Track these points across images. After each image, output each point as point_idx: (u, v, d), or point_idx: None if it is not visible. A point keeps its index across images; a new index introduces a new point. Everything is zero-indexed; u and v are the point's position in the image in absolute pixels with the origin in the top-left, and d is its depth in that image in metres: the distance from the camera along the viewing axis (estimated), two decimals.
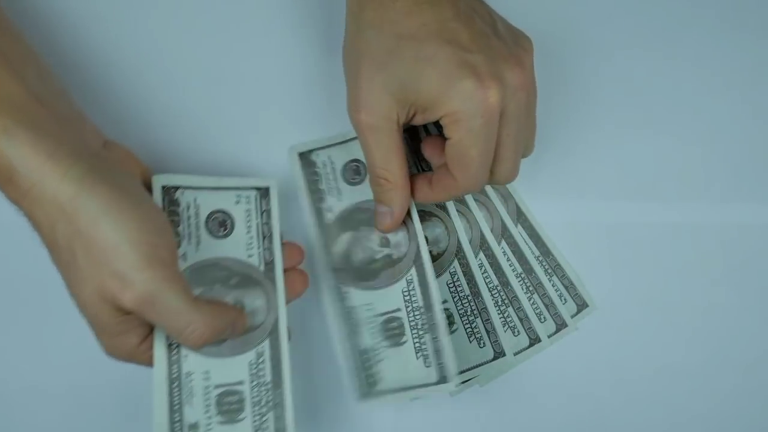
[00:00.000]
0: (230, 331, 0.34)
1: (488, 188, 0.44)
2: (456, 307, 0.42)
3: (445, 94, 0.31)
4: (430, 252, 0.41)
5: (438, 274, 0.42)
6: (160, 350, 0.34)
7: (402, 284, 0.38)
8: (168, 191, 0.36)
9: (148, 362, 0.34)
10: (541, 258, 0.44)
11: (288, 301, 0.37)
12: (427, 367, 0.37)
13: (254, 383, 0.35)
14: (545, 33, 0.44)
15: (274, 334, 0.36)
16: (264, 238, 0.37)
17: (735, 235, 0.44)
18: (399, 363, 0.37)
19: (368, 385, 0.37)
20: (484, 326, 0.42)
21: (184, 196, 0.36)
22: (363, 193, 0.40)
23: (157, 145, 0.41)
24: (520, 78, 0.32)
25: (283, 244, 0.38)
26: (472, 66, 0.31)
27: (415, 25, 0.32)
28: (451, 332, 0.40)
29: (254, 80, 0.42)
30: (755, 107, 0.45)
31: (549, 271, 0.44)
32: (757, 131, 0.45)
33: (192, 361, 0.35)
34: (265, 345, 0.36)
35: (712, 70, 0.45)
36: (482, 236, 0.43)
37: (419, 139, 0.40)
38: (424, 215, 0.42)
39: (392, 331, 0.38)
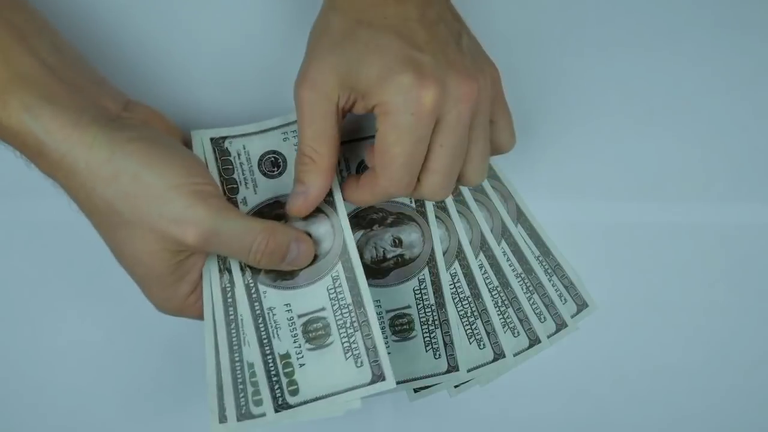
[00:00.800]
0: (296, 251, 0.35)
1: (488, 189, 0.44)
2: (457, 308, 0.42)
3: (382, 84, 0.31)
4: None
5: (434, 275, 0.42)
6: (240, 290, 0.36)
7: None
8: (217, 142, 0.38)
9: (198, 314, 0.35)
10: (541, 258, 0.44)
11: None
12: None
13: (335, 306, 0.36)
14: (545, 33, 0.44)
15: (344, 255, 0.37)
16: None
17: (735, 235, 0.44)
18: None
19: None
20: (484, 327, 0.42)
21: (232, 145, 0.38)
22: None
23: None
24: (466, 91, 0.32)
25: None
26: (418, 64, 0.31)
27: (377, 16, 0.32)
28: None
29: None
30: (755, 107, 0.45)
31: (549, 271, 0.44)
32: (757, 131, 0.45)
33: (271, 297, 0.36)
34: (339, 268, 0.37)
35: (712, 70, 0.45)
36: (482, 237, 0.43)
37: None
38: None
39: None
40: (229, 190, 0.38)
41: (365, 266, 0.39)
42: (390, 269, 0.41)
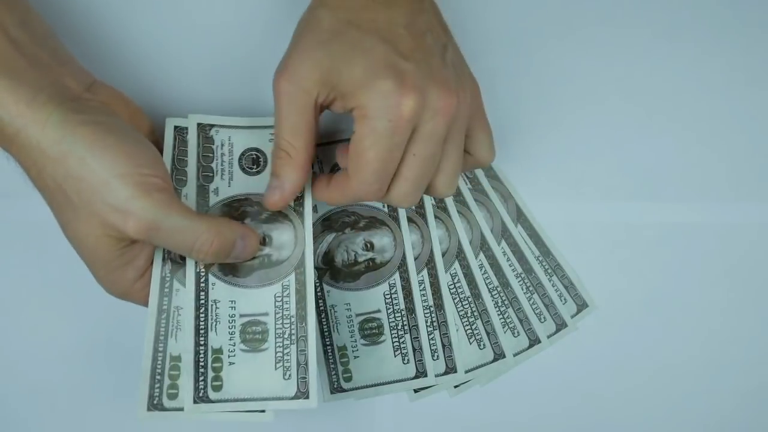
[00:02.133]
0: (242, 246, 0.35)
1: (488, 189, 0.44)
2: (457, 308, 0.42)
3: (363, 87, 0.31)
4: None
5: (432, 276, 0.42)
6: (190, 277, 0.36)
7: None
8: (203, 128, 0.38)
9: (143, 301, 0.35)
10: (541, 258, 0.44)
11: None
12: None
13: (278, 315, 0.36)
14: (545, 33, 0.44)
15: (300, 268, 0.37)
16: None
17: (735, 235, 0.44)
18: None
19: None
20: (484, 327, 0.42)
21: (218, 134, 0.38)
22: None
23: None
24: (446, 104, 0.32)
25: None
26: (400, 71, 0.31)
27: (366, 19, 0.32)
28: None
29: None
30: (755, 107, 0.45)
31: (549, 271, 0.44)
32: (757, 131, 0.45)
33: (219, 290, 0.36)
34: (291, 279, 0.37)
35: (712, 70, 0.45)
36: (482, 237, 0.43)
37: None
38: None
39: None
40: (204, 178, 0.38)
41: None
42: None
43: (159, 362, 0.35)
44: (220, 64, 0.42)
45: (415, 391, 0.42)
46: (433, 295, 0.42)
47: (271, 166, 0.35)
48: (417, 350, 0.41)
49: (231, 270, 0.36)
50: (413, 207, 0.43)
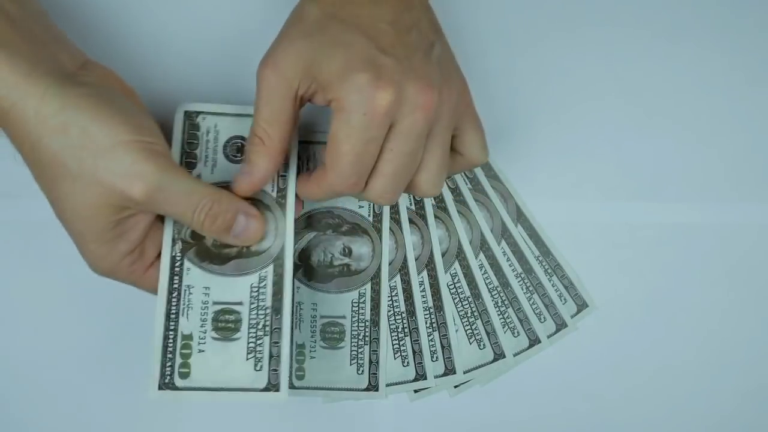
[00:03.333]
0: (243, 223, 0.35)
1: (488, 189, 0.44)
2: (457, 308, 0.43)
3: (340, 79, 0.31)
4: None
5: (432, 278, 0.42)
6: (165, 259, 0.36)
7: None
8: (189, 116, 0.38)
9: (129, 279, 0.35)
10: (540, 258, 0.44)
11: None
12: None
13: (253, 305, 0.36)
14: (545, 33, 0.44)
15: (278, 260, 0.36)
16: None
17: (735, 235, 0.44)
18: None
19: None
20: (484, 328, 0.42)
21: (205, 121, 0.38)
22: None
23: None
24: (425, 100, 0.32)
25: None
26: (378, 65, 0.31)
27: (351, 14, 0.32)
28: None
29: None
30: (755, 107, 0.45)
31: (549, 271, 0.44)
32: (757, 131, 0.45)
33: (194, 276, 0.36)
34: (269, 270, 0.36)
35: (712, 70, 0.45)
36: (482, 237, 0.43)
37: None
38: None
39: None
40: (187, 164, 0.37)
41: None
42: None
43: (170, 341, 0.35)
44: (216, 55, 0.42)
45: (415, 391, 0.42)
46: (432, 296, 0.42)
47: (245, 152, 0.35)
48: (417, 353, 0.41)
49: (208, 256, 0.36)
50: (412, 207, 0.43)
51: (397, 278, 0.42)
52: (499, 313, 0.43)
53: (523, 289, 0.43)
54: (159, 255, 0.36)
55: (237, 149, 0.38)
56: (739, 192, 0.45)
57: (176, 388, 0.35)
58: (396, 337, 0.42)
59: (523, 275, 0.43)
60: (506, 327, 0.43)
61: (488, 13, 0.44)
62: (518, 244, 0.43)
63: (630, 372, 0.43)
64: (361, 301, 0.41)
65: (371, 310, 0.41)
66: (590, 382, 0.43)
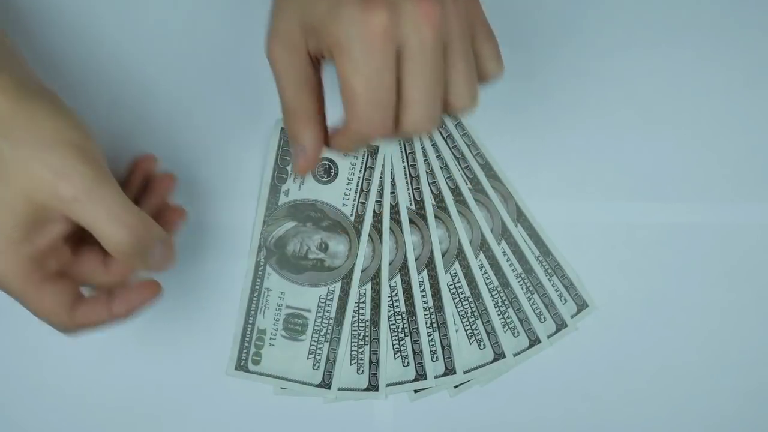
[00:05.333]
0: (160, 253, 0.33)
1: (488, 189, 0.44)
2: (457, 308, 0.43)
3: (330, 17, 0.29)
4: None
5: (432, 278, 0.42)
6: (251, 263, 0.41)
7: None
8: (285, 132, 0.41)
9: (20, 288, 0.32)
10: (541, 258, 0.44)
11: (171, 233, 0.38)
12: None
13: (319, 315, 0.41)
14: (545, 33, 0.44)
15: (347, 279, 0.41)
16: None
17: (735, 235, 0.44)
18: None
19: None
20: (485, 328, 0.42)
21: None
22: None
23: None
24: (426, 11, 0.29)
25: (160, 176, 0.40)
26: None
27: None
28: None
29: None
30: (755, 107, 0.45)
31: (549, 271, 0.44)
32: (757, 131, 0.45)
33: (273, 280, 0.41)
34: (337, 286, 0.41)
35: (712, 70, 0.45)
36: (482, 237, 0.43)
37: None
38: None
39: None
40: (277, 179, 0.41)
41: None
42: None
43: (248, 332, 0.41)
44: (216, 56, 0.42)
45: (415, 391, 0.42)
46: (433, 296, 0.42)
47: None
48: (417, 353, 0.41)
49: (287, 265, 0.41)
50: (413, 207, 0.43)
51: (398, 278, 0.42)
52: (499, 313, 0.43)
53: (523, 289, 0.43)
54: (58, 273, 0.33)
55: (325, 170, 0.41)
56: (739, 192, 0.45)
57: (249, 372, 0.41)
58: (396, 337, 0.42)
59: (523, 275, 0.43)
60: (506, 327, 0.43)
61: (487, 13, 0.44)
62: (518, 244, 0.43)
63: (630, 372, 0.43)
64: (329, 298, 0.41)
65: (337, 309, 0.41)
66: (590, 382, 0.43)
